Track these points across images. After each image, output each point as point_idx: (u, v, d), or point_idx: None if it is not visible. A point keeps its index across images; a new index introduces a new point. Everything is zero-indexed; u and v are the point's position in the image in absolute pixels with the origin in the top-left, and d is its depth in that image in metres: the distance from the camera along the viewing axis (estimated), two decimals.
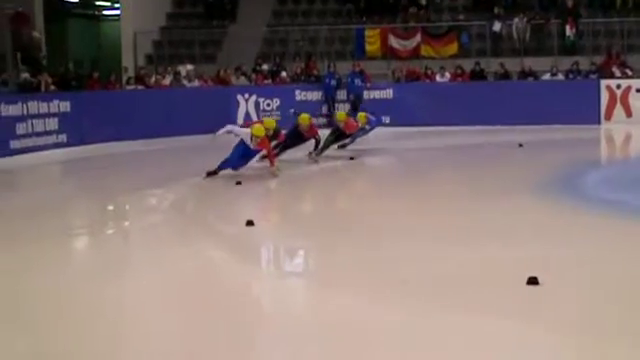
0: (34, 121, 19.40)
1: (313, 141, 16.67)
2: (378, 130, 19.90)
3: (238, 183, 13.72)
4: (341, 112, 18.07)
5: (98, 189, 14.12)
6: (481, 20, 27.41)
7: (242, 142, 14.28)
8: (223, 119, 19.36)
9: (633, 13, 26.91)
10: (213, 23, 29.22)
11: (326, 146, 17.03)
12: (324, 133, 17.34)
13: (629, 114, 23.33)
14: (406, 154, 19.00)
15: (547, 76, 24.83)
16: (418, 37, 27.03)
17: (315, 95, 24.50)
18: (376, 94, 24.54)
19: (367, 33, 27.52)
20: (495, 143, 19.72)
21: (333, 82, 24.51)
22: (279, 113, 22.98)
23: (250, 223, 10.33)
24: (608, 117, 23.39)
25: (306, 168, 16.07)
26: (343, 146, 17.82)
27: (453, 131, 22.07)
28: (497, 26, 26.81)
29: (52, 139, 19.92)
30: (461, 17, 28.24)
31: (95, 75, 24.24)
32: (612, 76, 24.11)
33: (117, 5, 30.64)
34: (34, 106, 19.47)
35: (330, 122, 20.19)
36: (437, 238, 9.59)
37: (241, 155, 14.29)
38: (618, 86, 23.46)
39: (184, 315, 6.97)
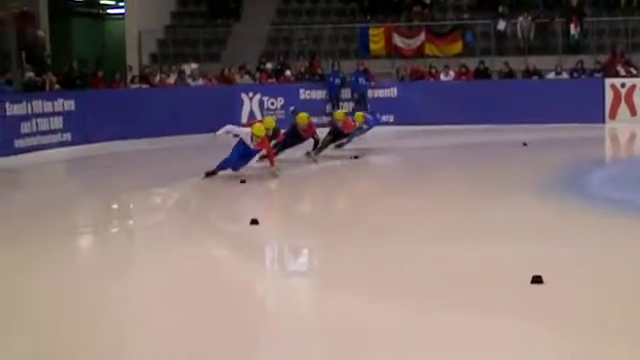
0: (39, 120, 19.44)
1: (311, 140, 16.56)
2: (382, 129, 19.92)
3: (242, 182, 13.72)
4: (339, 111, 17.88)
5: (102, 188, 14.13)
6: (485, 19, 27.40)
7: (242, 142, 14.16)
8: (227, 118, 19.39)
9: (638, 12, 26.91)
10: (217, 22, 29.25)
11: (324, 146, 16.90)
12: (323, 132, 17.25)
13: (634, 113, 23.32)
14: (410, 153, 18.97)
15: (551, 75, 24.82)
16: (422, 36, 27.02)
17: (319, 94, 24.49)
18: (380, 93, 24.55)
19: (371, 32, 27.52)
20: (499, 142, 19.70)
21: (337, 81, 24.50)
22: (283, 112, 22.96)
23: (254, 222, 10.34)
24: (613, 116, 23.37)
25: (308, 167, 16.01)
26: (340, 146, 17.64)
27: (457, 130, 22.05)
28: (502, 25, 26.79)
29: (57, 138, 19.97)
30: (465, 16, 28.20)
31: (99, 74, 24.28)
32: (617, 75, 24.09)
33: (122, 4, 30.65)
34: (39, 105, 19.51)
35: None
36: (440, 237, 9.58)
37: (241, 155, 14.17)
38: (623, 85, 23.45)
39: (188, 314, 6.97)
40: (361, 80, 24.39)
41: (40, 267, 8.61)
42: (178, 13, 30.41)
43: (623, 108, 23.34)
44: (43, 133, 19.55)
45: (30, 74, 22.12)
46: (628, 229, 9.89)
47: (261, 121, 16.01)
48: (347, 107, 23.78)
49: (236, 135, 14.57)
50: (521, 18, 26.64)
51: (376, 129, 18.75)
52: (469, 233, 9.79)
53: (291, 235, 10.41)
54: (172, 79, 24.83)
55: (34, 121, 19.30)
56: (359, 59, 25.76)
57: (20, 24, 23.56)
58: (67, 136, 20.24)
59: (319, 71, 25.80)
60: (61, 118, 20.11)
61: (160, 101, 22.61)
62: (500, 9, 27.21)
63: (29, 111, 19.19)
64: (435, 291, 7.38)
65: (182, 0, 30.73)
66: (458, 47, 26.96)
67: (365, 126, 17.99)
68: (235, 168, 14.16)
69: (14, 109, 18.78)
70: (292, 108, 18.15)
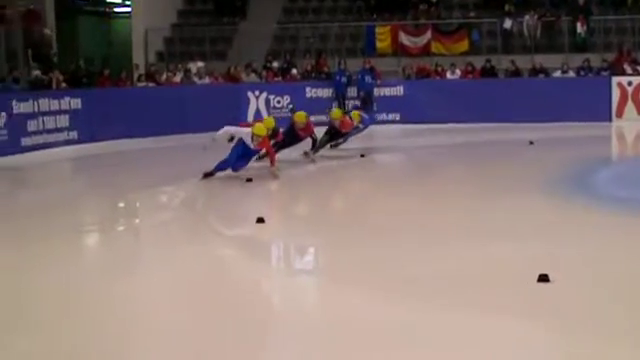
0: (45, 118, 19.47)
1: (309, 140, 16.39)
2: (388, 127, 19.95)
3: (249, 180, 13.70)
4: (336, 110, 17.68)
5: (108, 186, 14.14)
6: (492, 17, 27.39)
7: (241, 142, 13.99)
8: (233, 116, 19.42)
9: None
10: (224, 20, 29.28)
11: (321, 145, 16.69)
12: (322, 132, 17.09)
13: None
14: (416, 151, 18.95)
15: (558, 73, 24.77)
16: (429, 34, 27.01)
17: (325, 92, 24.47)
18: (386, 91, 24.53)
19: (377, 30, 27.51)
20: (505, 140, 19.68)
21: (343, 79, 24.49)
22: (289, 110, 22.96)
23: (261, 220, 10.34)
24: (619, 114, 23.32)
25: (308, 167, 15.92)
26: (336, 145, 17.44)
27: (463, 128, 22.03)
28: (508, 23, 26.77)
29: (63, 136, 20.00)
30: (472, 14, 28.20)
31: (106, 72, 24.32)
32: (623, 73, 24.05)
33: (128, 2, 30.69)
34: (45, 103, 19.54)
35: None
36: (445, 236, 9.57)
37: (240, 155, 13.98)
38: (629, 83, 23.39)
39: (195, 312, 6.98)
40: (367, 78, 24.38)
41: (46, 265, 8.62)
42: (184, 11, 30.44)
43: (630, 106, 23.28)
44: (49, 131, 19.58)
45: (37, 72, 22.18)
46: (635, 227, 9.87)
47: (261, 121, 15.92)
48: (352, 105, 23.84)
49: (230, 140, 14.42)
50: (527, 16, 26.61)
51: (382, 127, 18.76)
52: (475, 232, 9.79)
53: (297, 234, 10.41)
54: (178, 77, 24.85)
55: (40, 119, 19.33)
56: (365, 57, 25.74)
57: (27, 22, 23.64)
58: (73, 134, 20.26)
59: (325, 69, 25.80)
60: (67, 116, 20.14)
61: (166, 99, 22.60)
62: (506, 7, 27.19)
63: (36, 109, 19.21)
64: (439, 290, 7.37)
65: None
66: (464, 45, 26.95)
67: (361, 125, 17.78)
68: (235, 168, 13.95)
69: (21, 107, 18.80)
70: (290, 107, 18.01)
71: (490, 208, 11.38)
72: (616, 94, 23.36)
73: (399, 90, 24.56)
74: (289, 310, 7.21)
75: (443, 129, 22.11)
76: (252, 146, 13.91)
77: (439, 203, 12.01)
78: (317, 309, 7.28)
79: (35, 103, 19.23)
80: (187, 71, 25.03)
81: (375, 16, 28.76)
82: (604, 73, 24.37)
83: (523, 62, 25.55)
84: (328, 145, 17.16)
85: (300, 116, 16.31)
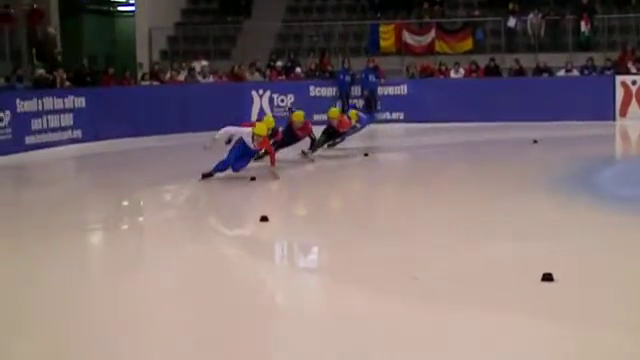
0: (49, 117, 19.50)
1: (307, 140, 16.32)
2: (392, 126, 19.93)
3: (252, 179, 13.71)
4: (334, 109, 17.57)
5: (113, 185, 14.15)
6: (496, 16, 27.37)
7: (241, 142, 13.89)
8: (237, 115, 19.43)
9: None
10: (228, 19, 29.29)
11: (319, 145, 16.59)
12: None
13: None
14: (420, 150, 18.94)
15: (562, 72, 24.74)
16: (432, 33, 26.99)
17: (329, 91, 24.46)
18: (390, 90, 24.51)
19: (381, 29, 27.50)
20: (509, 139, 19.68)
21: (347, 78, 24.48)
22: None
23: (264, 219, 10.36)
24: (623, 113, 23.29)
25: (315, 165, 15.93)
26: (333, 145, 17.26)
27: (467, 127, 22.01)
28: (512, 22, 26.75)
29: (67, 135, 20.02)
30: (476, 13, 28.18)
31: (110, 71, 24.32)
32: (627, 72, 24.02)
33: (132, 1, 30.69)
34: (49, 102, 19.57)
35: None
36: (450, 235, 9.57)
37: (240, 155, 13.87)
38: (633, 82, 23.35)
39: (198, 310, 6.99)
40: (371, 77, 24.36)
41: (50, 263, 8.65)
42: (188, 10, 30.47)
43: (634, 105, 23.24)
44: (53, 130, 19.61)
45: (41, 71, 22.21)
46: (638, 226, 9.88)
47: (261, 120, 15.87)
48: (358, 104, 23.86)
49: (228, 142, 14.37)
50: (531, 15, 26.59)
51: (386, 126, 18.73)
52: (478, 231, 9.80)
53: (300, 232, 10.42)
54: (182, 76, 24.88)
55: (44, 118, 19.35)
56: (369, 56, 25.71)
57: (31, 21, 23.69)
58: (77, 133, 20.29)
59: (329, 68, 25.80)
60: (71, 115, 20.16)
61: (170, 98, 22.62)
62: (510, 6, 27.16)
63: (40, 108, 19.24)
64: (443, 289, 7.37)
65: None
66: (468, 44, 26.94)
67: (358, 125, 17.64)
68: (235, 169, 13.82)
69: (25, 106, 18.83)
70: (288, 105, 17.90)
71: (493, 207, 11.38)
72: (620, 93, 23.33)
73: (403, 89, 24.54)
74: (292, 308, 7.21)
75: (447, 128, 22.09)
76: (252, 146, 13.81)
77: (442, 202, 12.00)
78: (319, 307, 7.27)
79: (39, 102, 19.26)
80: (191, 70, 25.05)
81: (379, 15, 28.75)
82: (608, 72, 24.35)
83: (527, 61, 25.53)
84: (325, 145, 17.02)
85: (298, 116, 16.22)
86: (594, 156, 16.29)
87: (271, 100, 23.99)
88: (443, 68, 25.43)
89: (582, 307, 6.81)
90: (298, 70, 25.73)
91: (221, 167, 13.70)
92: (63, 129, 19.91)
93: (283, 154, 15.77)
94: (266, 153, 14.47)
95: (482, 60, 25.53)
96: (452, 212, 11.09)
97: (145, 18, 27.98)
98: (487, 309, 6.74)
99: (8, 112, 18.30)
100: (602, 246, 8.86)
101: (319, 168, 15.78)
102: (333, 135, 17.05)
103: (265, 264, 8.84)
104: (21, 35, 21.76)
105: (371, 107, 23.80)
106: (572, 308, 6.79)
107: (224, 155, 13.88)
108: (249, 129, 13.96)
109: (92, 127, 20.50)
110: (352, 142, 17.85)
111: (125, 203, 13.05)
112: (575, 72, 24.67)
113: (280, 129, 16.12)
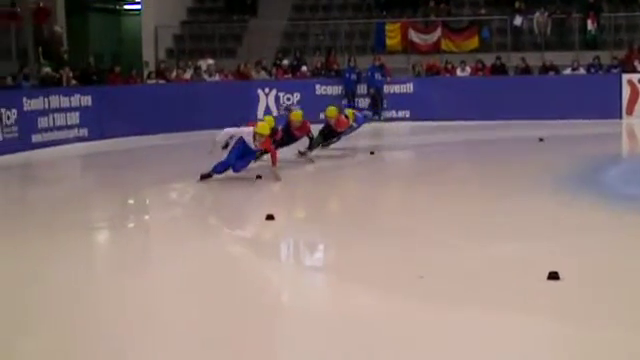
0: (55, 115, 19.53)
1: (305, 140, 16.14)
2: (398, 124, 19.91)
3: (258, 177, 13.70)
4: (332, 108, 17.48)
5: (118, 183, 14.17)
6: (502, 14, 27.37)
7: (241, 142, 13.71)
8: (243, 114, 19.42)
9: None
10: (234, 17, 29.31)
11: (316, 145, 16.39)
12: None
13: None
14: (425, 149, 18.93)
15: (568, 71, 24.72)
16: (439, 31, 27.00)
17: (335, 89, 24.47)
18: (396, 88, 24.51)
19: (387, 27, 27.51)
20: (515, 138, 19.67)
21: (353, 76, 24.48)
22: (299, 107, 22.93)
23: (270, 217, 10.36)
24: (630, 112, 23.26)
25: (319, 164, 15.88)
26: (328, 144, 16.96)
27: (473, 126, 22.00)
28: (518, 20, 26.73)
29: (73, 133, 20.05)
30: (482, 11, 28.18)
31: (116, 69, 24.36)
32: (634, 70, 23.97)
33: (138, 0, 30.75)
34: (55, 100, 19.61)
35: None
36: (454, 234, 9.57)
37: (241, 155, 13.69)
38: None
39: (204, 308, 7.00)
40: (377, 75, 24.36)
41: (56, 261, 8.67)
42: (194, 8, 30.49)
43: None
44: (60, 128, 19.64)
45: (47, 69, 22.25)
46: None
47: (260, 120, 15.78)
48: (364, 103, 23.91)
49: (225, 147, 14.29)
50: (538, 14, 26.57)
51: (392, 124, 18.71)
52: (482, 230, 9.79)
53: (306, 231, 10.42)
54: (188, 75, 24.89)
55: (51, 116, 19.39)
56: (375, 54, 25.73)
57: (37, 19, 23.71)
58: (84, 131, 20.32)
59: (335, 67, 25.81)
60: (78, 113, 20.19)
61: (176, 97, 22.63)
62: (516, 4, 27.13)
63: (46, 106, 19.28)
64: (448, 288, 7.36)
65: None
66: (474, 43, 26.93)
67: (355, 124, 17.42)
68: (236, 169, 13.62)
69: (31, 104, 18.87)
70: (286, 105, 17.82)
71: (498, 206, 11.38)
72: (626, 91, 23.30)
73: (409, 87, 24.54)
74: (298, 307, 7.21)
75: (453, 126, 22.08)
76: (254, 146, 13.61)
77: (448, 201, 11.96)
78: (325, 306, 7.27)
79: (45, 100, 19.29)
80: (197, 68, 25.06)
81: (385, 13, 28.76)
82: (614, 70, 24.32)
83: (533, 59, 25.51)
84: (320, 145, 16.71)
85: (297, 115, 16.09)
86: (600, 154, 16.27)
87: (277, 98, 23.99)
88: (449, 66, 25.44)
89: (585, 307, 6.80)
90: (304, 68, 25.74)
91: (220, 168, 13.51)
92: (69, 127, 19.95)
93: (282, 154, 15.66)
94: (266, 153, 14.35)
95: (488, 58, 25.52)
96: (457, 211, 11.07)
97: (151, 16, 28.01)
98: (492, 308, 6.74)
99: (15, 110, 18.32)
100: (605, 245, 8.84)
101: (322, 167, 15.75)
102: (330, 135, 16.83)
103: (271, 263, 8.85)
104: (27, 33, 21.75)
105: (377, 105, 23.86)
106: (575, 308, 6.78)
107: (224, 155, 13.82)
108: (250, 129, 13.84)
109: (98, 125, 20.53)
110: (358, 140, 17.84)
111: (131, 201, 13.07)
112: (581, 70, 24.65)
113: (280, 128, 16.05)
